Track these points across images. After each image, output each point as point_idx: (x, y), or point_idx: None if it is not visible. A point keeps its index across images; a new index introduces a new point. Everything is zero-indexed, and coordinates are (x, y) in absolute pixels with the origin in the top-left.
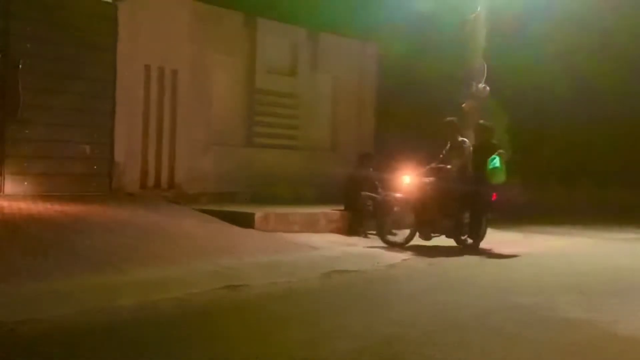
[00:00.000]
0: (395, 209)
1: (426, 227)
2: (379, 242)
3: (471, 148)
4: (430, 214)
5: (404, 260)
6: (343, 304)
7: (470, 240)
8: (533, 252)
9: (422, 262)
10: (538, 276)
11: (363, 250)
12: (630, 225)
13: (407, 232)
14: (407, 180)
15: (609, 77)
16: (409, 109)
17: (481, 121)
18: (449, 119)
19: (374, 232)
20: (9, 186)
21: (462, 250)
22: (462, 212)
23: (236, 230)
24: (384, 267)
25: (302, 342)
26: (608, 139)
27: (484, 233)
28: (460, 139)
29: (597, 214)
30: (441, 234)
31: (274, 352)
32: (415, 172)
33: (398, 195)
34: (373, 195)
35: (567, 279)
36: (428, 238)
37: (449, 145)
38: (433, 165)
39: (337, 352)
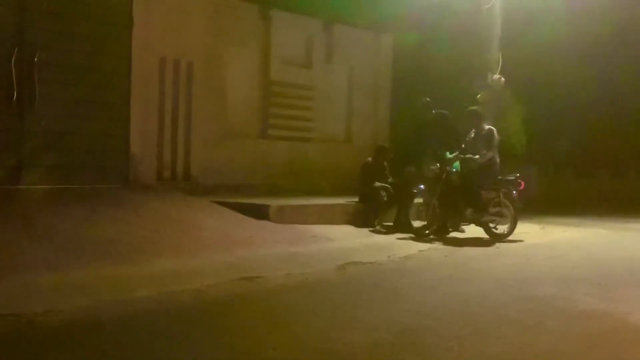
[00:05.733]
0: (420, 199)
1: (454, 218)
2: (394, 234)
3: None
4: (456, 204)
5: (420, 251)
6: (359, 296)
7: (502, 230)
8: (550, 243)
9: (438, 253)
10: (555, 267)
11: (378, 241)
12: None
13: (432, 223)
14: (433, 169)
15: (625, 67)
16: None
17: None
18: (472, 108)
19: (390, 224)
20: (26, 178)
21: (479, 241)
22: (487, 202)
23: (251, 222)
24: (399, 259)
25: (318, 334)
26: (624, 129)
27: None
28: (487, 127)
29: (613, 204)
30: (470, 223)
31: (290, 343)
32: (440, 162)
33: (422, 186)
34: (386, 186)
35: (584, 270)
36: (457, 228)
37: (473, 133)
38: (457, 154)
39: (353, 343)
